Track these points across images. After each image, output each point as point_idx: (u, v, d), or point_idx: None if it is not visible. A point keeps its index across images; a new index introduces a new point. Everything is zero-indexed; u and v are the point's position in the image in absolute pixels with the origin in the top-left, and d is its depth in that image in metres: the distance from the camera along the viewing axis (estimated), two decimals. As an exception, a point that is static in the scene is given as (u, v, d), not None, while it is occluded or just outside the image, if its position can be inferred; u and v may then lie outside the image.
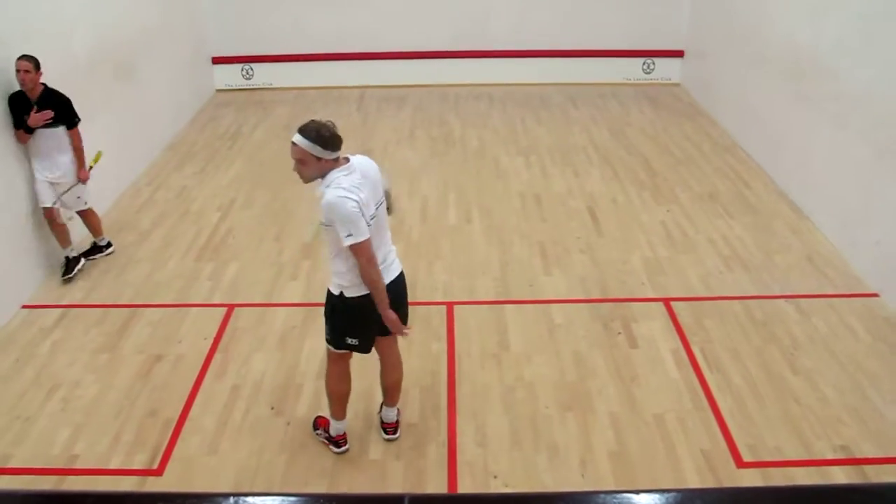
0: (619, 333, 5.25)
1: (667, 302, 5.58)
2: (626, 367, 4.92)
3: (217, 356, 5.08)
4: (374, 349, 4.13)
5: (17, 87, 5.47)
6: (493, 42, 10.34)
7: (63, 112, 5.57)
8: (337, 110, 9.53)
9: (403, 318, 4.14)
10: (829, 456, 4.20)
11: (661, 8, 10.16)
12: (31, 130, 5.50)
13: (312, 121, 3.66)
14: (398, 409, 4.41)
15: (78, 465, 4.21)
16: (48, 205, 5.74)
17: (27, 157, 5.69)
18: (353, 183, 3.61)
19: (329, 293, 3.93)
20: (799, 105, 6.98)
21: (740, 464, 4.17)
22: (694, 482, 4.04)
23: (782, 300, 5.58)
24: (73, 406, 4.65)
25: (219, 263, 6.19)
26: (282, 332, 5.31)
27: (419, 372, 4.87)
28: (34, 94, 5.46)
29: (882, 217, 5.65)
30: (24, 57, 5.35)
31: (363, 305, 3.82)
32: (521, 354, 5.06)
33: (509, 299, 5.66)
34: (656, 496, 1.65)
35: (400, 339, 4.28)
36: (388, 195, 3.93)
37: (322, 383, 4.56)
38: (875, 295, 5.62)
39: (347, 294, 3.82)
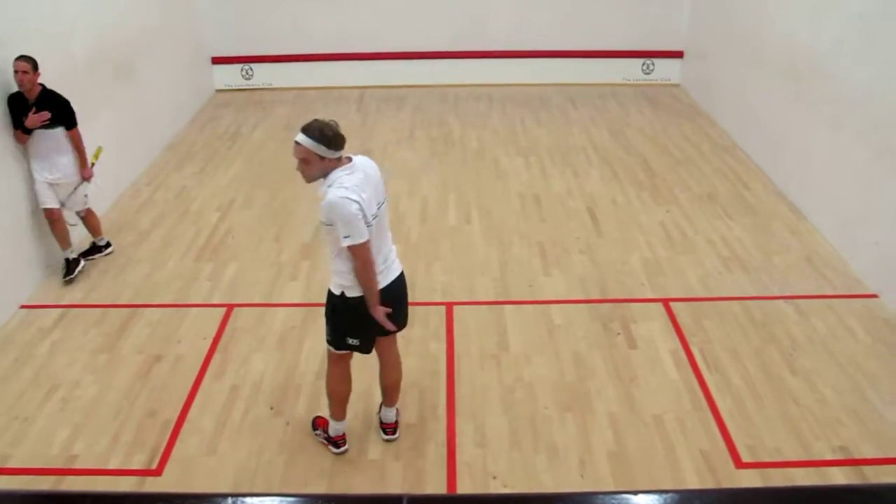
0: (619, 334, 5.25)
1: (666, 302, 5.58)
2: (626, 367, 4.92)
3: (216, 356, 5.08)
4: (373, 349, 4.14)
5: (17, 88, 5.46)
6: (493, 42, 10.34)
7: (61, 113, 5.55)
8: (336, 110, 9.53)
9: (403, 319, 4.15)
10: (828, 457, 4.20)
11: (661, 9, 10.16)
12: (29, 131, 5.50)
13: (315, 120, 3.66)
14: (397, 410, 4.41)
15: (77, 466, 4.21)
16: (49, 206, 5.74)
17: (26, 158, 5.69)
18: (355, 182, 3.61)
19: (330, 293, 3.92)
20: (798, 106, 6.98)
21: (739, 464, 4.17)
22: (693, 483, 4.04)
23: (781, 301, 5.58)
24: (71, 406, 4.65)
25: (218, 263, 6.19)
26: (281, 333, 5.31)
27: (418, 372, 4.87)
28: (32, 95, 5.44)
29: (881, 218, 5.65)
30: (21, 57, 5.34)
31: (364, 305, 3.82)
32: (520, 355, 5.06)
33: (509, 300, 5.66)
34: (655, 497, 1.65)
35: (399, 340, 4.29)
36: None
37: (321, 384, 4.57)
38: (874, 296, 5.63)
39: (349, 294, 3.82)
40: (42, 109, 5.44)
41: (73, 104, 5.66)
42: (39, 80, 5.47)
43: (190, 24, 9.77)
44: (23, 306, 5.63)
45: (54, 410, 4.61)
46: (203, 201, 7.28)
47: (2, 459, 4.26)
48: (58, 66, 6.04)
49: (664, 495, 1.65)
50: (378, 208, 3.75)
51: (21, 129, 5.48)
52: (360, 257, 3.63)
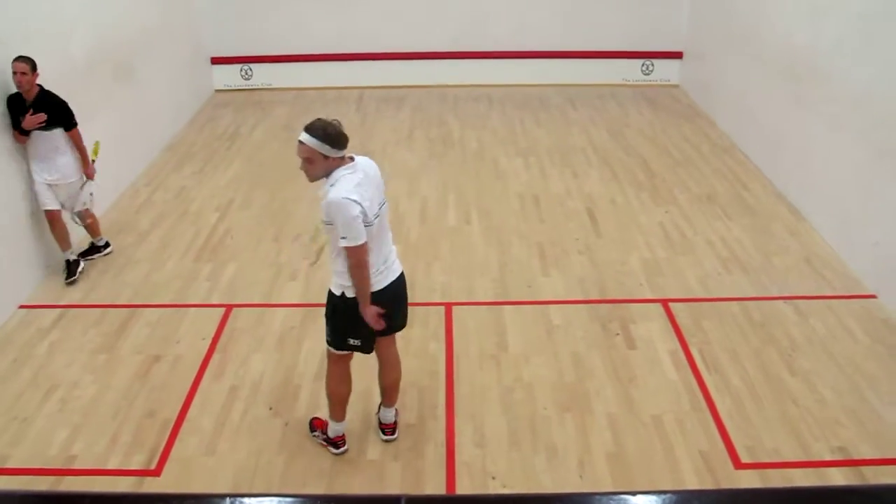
0: (618, 334, 5.25)
1: (665, 303, 5.58)
2: (625, 368, 4.92)
3: (215, 357, 5.08)
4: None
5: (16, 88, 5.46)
6: (493, 43, 10.34)
7: (59, 114, 5.53)
8: (336, 111, 9.52)
9: (403, 319, 4.15)
10: (827, 457, 4.20)
11: (660, 9, 10.16)
12: (27, 132, 5.49)
13: (319, 119, 3.66)
14: (396, 410, 4.41)
15: (76, 466, 4.21)
16: (49, 207, 5.73)
17: (25, 158, 5.68)
18: (357, 182, 3.61)
19: (330, 293, 3.92)
20: (797, 106, 6.98)
21: (738, 465, 4.17)
22: (692, 483, 4.04)
23: (780, 301, 5.58)
24: (70, 406, 4.65)
25: (217, 264, 6.19)
26: (280, 333, 5.31)
27: (417, 372, 4.87)
28: (30, 96, 5.43)
29: (880, 218, 5.65)
30: (20, 58, 5.33)
31: None
32: (519, 355, 5.06)
33: (508, 300, 5.66)
34: (654, 497, 1.65)
35: (399, 340, 4.29)
36: None
37: (320, 384, 4.57)
38: (873, 296, 5.63)
39: (350, 294, 3.82)
40: (39, 111, 5.42)
41: (72, 104, 5.65)
42: (38, 81, 5.46)
43: (189, 25, 9.77)
44: (22, 306, 5.63)
45: (53, 411, 4.61)
46: (202, 201, 7.28)
47: (1, 460, 4.25)
48: (57, 67, 6.04)
49: (663, 496, 1.64)
50: (379, 208, 3.75)
51: (19, 129, 5.47)
52: (356, 258, 3.63)
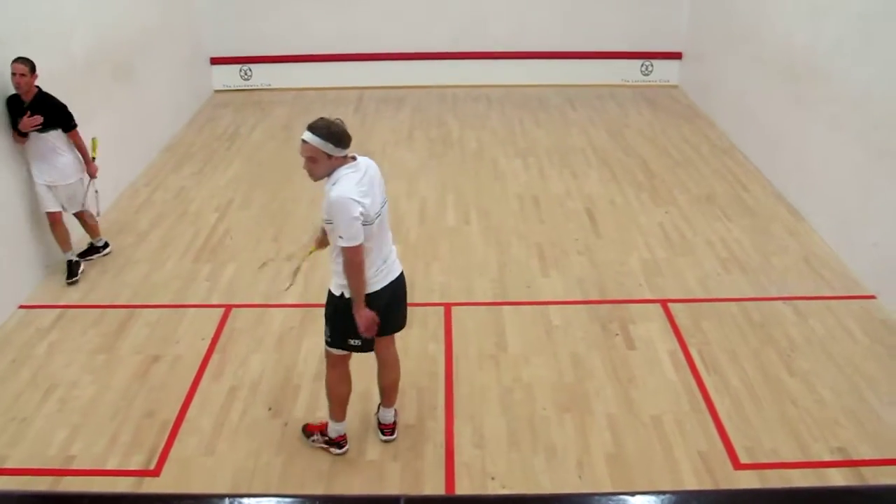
0: (617, 335, 5.25)
1: (664, 303, 5.59)
2: (624, 368, 4.92)
3: (214, 357, 5.08)
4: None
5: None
6: (492, 43, 10.34)
7: (56, 116, 5.51)
8: (335, 111, 9.52)
9: (402, 319, 4.15)
10: (827, 458, 4.21)
11: (660, 10, 10.17)
12: (24, 133, 5.48)
13: (322, 118, 3.66)
14: (395, 410, 4.41)
15: (74, 466, 4.21)
16: (49, 209, 5.73)
17: (24, 158, 5.68)
18: (358, 180, 3.61)
19: (330, 294, 3.91)
20: (797, 107, 6.99)
21: (737, 465, 4.17)
22: (691, 484, 4.04)
23: (780, 302, 5.59)
24: (69, 407, 4.64)
25: (216, 264, 6.18)
26: (279, 333, 5.31)
27: (417, 373, 4.87)
28: (28, 98, 5.42)
29: (880, 219, 5.65)
30: (19, 60, 5.32)
31: (367, 304, 3.82)
32: (518, 356, 5.06)
33: (507, 300, 5.66)
34: (653, 498, 1.65)
35: (398, 340, 4.29)
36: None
37: (320, 384, 4.57)
38: (872, 297, 5.63)
39: (350, 294, 3.81)
40: (36, 112, 5.40)
41: (72, 104, 5.65)
42: (38, 81, 5.45)
43: (189, 25, 9.77)
44: (21, 306, 5.63)
45: (52, 411, 4.61)
46: (201, 202, 7.28)
47: (0, 460, 4.25)
48: (57, 67, 6.05)
49: (662, 496, 1.64)
50: (381, 208, 3.75)
51: (17, 131, 5.47)
52: (351, 259, 3.62)
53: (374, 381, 4.38)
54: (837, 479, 4.07)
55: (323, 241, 4.10)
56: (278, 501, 1.82)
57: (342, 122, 3.67)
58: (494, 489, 4.06)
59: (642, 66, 10.49)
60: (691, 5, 9.99)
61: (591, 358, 5.02)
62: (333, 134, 3.58)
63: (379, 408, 4.40)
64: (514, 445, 4.32)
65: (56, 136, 5.57)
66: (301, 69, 10.41)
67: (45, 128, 5.47)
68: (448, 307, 5.58)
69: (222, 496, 1.62)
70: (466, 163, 8.15)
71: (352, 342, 3.94)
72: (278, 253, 4.59)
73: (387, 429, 4.36)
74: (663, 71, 10.50)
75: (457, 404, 4.64)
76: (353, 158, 3.71)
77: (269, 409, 4.62)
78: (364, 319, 3.77)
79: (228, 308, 5.58)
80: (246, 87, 10.57)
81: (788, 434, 4.37)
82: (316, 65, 10.40)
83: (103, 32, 7.15)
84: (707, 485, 4.04)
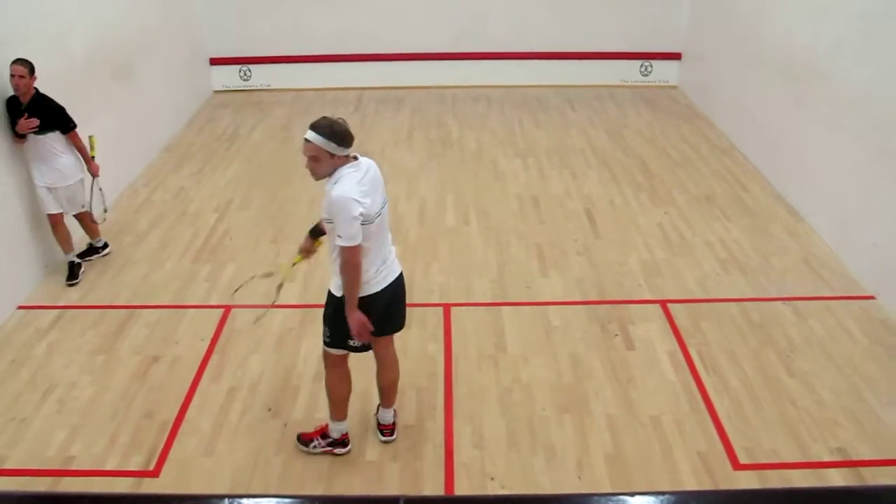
0: (616, 335, 5.25)
1: (664, 304, 5.59)
2: (623, 369, 4.92)
3: (214, 357, 5.08)
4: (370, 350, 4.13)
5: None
6: (492, 44, 10.34)
7: (53, 118, 5.49)
8: (335, 112, 9.44)
9: (401, 319, 4.14)
10: (826, 458, 4.21)
11: (659, 10, 10.17)
12: (22, 135, 5.47)
13: (324, 117, 3.67)
14: (395, 411, 4.41)
15: (74, 467, 4.21)
16: (50, 211, 5.73)
17: (24, 159, 5.68)
18: (360, 181, 3.61)
19: (330, 294, 3.90)
20: (796, 107, 6.99)
21: (737, 466, 4.17)
22: (690, 484, 4.04)
23: (779, 302, 5.59)
24: (69, 407, 4.64)
25: (216, 265, 6.18)
26: (279, 334, 5.31)
27: (416, 373, 4.87)
28: (26, 99, 5.41)
29: (879, 219, 5.66)
30: (18, 61, 5.30)
31: (367, 305, 3.82)
32: (517, 356, 5.06)
33: (506, 301, 5.66)
34: (652, 498, 1.65)
35: (397, 341, 4.28)
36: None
37: (319, 385, 4.57)
38: (871, 297, 5.63)
39: (347, 295, 3.81)
40: (33, 114, 5.39)
41: (71, 104, 5.65)
42: (38, 82, 5.44)
43: (188, 25, 9.77)
44: (20, 307, 5.62)
45: (51, 411, 4.61)
46: (201, 202, 7.28)
47: (-1, 460, 4.26)
48: (57, 67, 6.05)
49: (661, 497, 1.65)
50: (381, 207, 3.75)
51: (14, 132, 5.47)
52: (348, 260, 3.62)
53: (373, 382, 4.38)
54: (837, 479, 4.07)
55: (309, 249, 4.10)
56: (278, 502, 1.82)
57: (344, 121, 3.67)
58: (494, 490, 4.06)
59: (642, 66, 10.50)
60: (691, 6, 9.99)
61: (591, 358, 5.02)
62: (336, 133, 3.59)
63: (378, 408, 4.40)
64: (514, 446, 4.32)
65: (54, 138, 5.55)
66: (300, 70, 10.41)
67: (42, 130, 5.46)
68: (447, 307, 5.58)
69: (221, 497, 1.63)
70: (466, 163, 8.15)
71: (351, 343, 3.94)
72: (253, 277, 4.59)
73: (386, 429, 4.36)
74: (663, 71, 10.51)
75: (456, 405, 4.64)
76: (355, 158, 3.71)
77: (269, 409, 4.62)
78: (355, 323, 3.76)
79: (228, 308, 5.58)
80: (245, 88, 10.57)
81: (788, 434, 4.37)
82: (315, 65, 10.40)
83: (103, 32, 7.15)
84: (706, 485, 4.04)
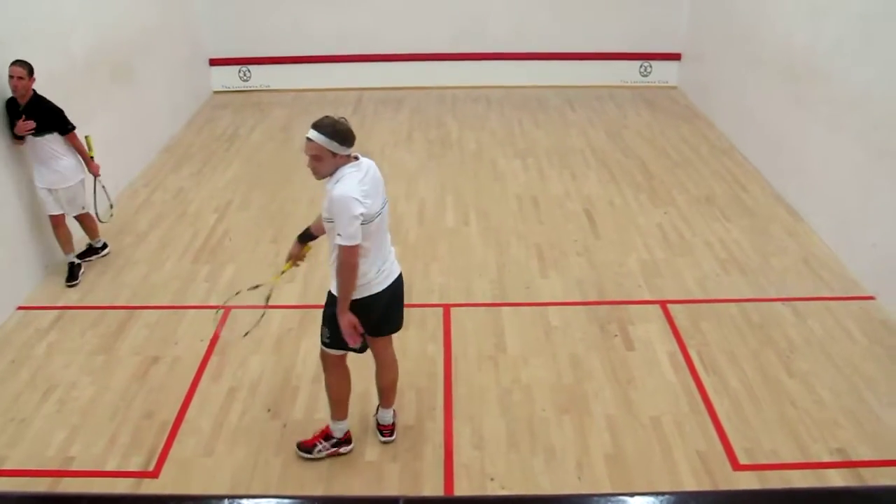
0: (616, 336, 5.25)
1: (663, 304, 5.59)
2: (623, 369, 4.92)
3: (213, 358, 5.08)
4: (369, 350, 4.13)
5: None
6: (492, 44, 10.35)
7: (51, 120, 5.48)
8: (334, 112, 9.32)
9: (399, 320, 4.14)
10: (826, 459, 4.21)
11: (659, 11, 10.17)
12: (20, 137, 5.47)
13: (326, 117, 3.67)
14: (394, 412, 4.41)
15: (73, 467, 4.21)
16: (52, 212, 5.74)
17: (23, 160, 5.68)
18: (361, 180, 3.61)
19: (330, 295, 3.89)
20: (796, 107, 6.99)
21: (736, 466, 4.17)
22: (690, 485, 4.04)
23: (779, 303, 5.59)
24: (68, 408, 4.64)
25: (215, 265, 6.18)
26: (278, 335, 5.31)
27: (415, 374, 4.87)
28: (24, 101, 5.40)
29: (879, 219, 5.66)
30: (17, 62, 5.30)
31: (367, 306, 3.82)
32: (517, 357, 5.06)
33: (506, 301, 5.66)
34: (651, 499, 1.65)
35: (396, 341, 4.28)
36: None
37: (318, 385, 4.57)
38: (871, 298, 5.63)
39: (352, 296, 3.80)
40: (30, 116, 5.38)
41: (71, 105, 5.65)
42: (38, 81, 5.43)
43: (188, 26, 9.77)
44: (20, 307, 5.62)
45: (51, 412, 4.61)
46: (200, 203, 7.28)
47: (-2, 461, 4.26)
48: (57, 67, 6.05)
49: (661, 497, 1.64)
50: (381, 207, 3.75)
51: (12, 134, 5.47)
52: (346, 259, 3.62)
53: (372, 382, 4.37)
54: (836, 479, 4.07)
55: (298, 255, 4.09)
56: (277, 502, 1.82)
57: (346, 120, 3.68)
58: (493, 490, 4.06)
59: (641, 66, 10.50)
60: (690, 6, 9.99)
61: (590, 359, 5.02)
62: (339, 132, 3.59)
63: (378, 409, 4.40)
64: (514, 446, 4.32)
65: (53, 140, 5.54)
66: (300, 70, 10.41)
67: (40, 131, 5.46)
68: (447, 308, 5.58)
69: (221, 497, 1.63)
70: (466, 164, 8.15)
71: (353, 344, 3.93)
72: (238, 292, 4.59)
73: (386, 430, 4.36)
74: (662, 72, 10.51)
75: (456, 405, 4.64)
76: (356, 158, 3.71)
77: (268, 410, 4.62)
78: (346, 324, 3.76)
79: (227, 309, 5.57)
80: (245, 89, 10.57)
81: (787, 435, 4.37)
82: (315, 66, 10.40)
83: (103, 33, 7.15)
84: (706, 486, 4.04)
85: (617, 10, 10.17)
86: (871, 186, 5.77)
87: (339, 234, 3.56)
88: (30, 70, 5.34)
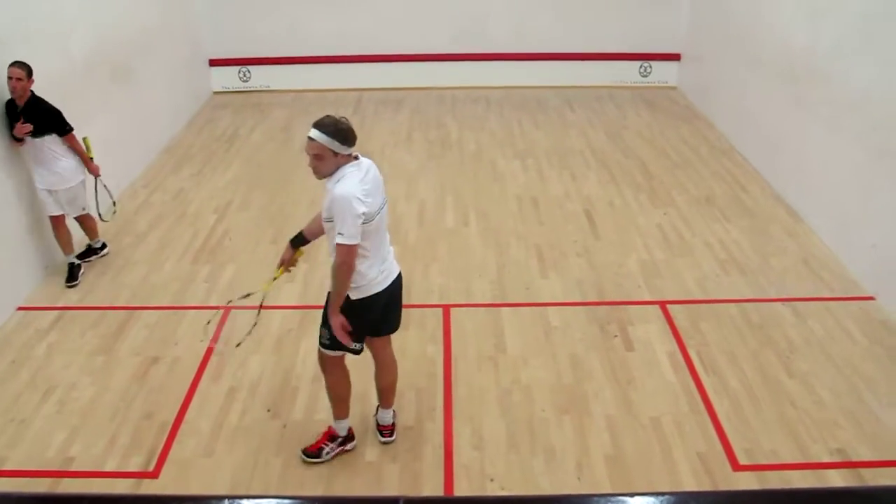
0: (616, 336, 5.25)
1: (663, 305, 5.59)
2: (623, 370, 4.92)
3: (213, 358, 5.07)
4: (368, 351, 4.13)
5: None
6: (491, 45, 10.34)
7: (49, 121, 5.47)
8: (334, 113, 9.43)
9: (397, 320, 4.14)
10: (826, 459, 4.21)
11: (659, 11, 10.17)
12: (19, 138, 5.47)
13: (328, 116, 3.68)
14: (394, 412, 4.41)
15: (73, 468, 4.21)
16: (53, 213, 5.74)
17: (23, 161, 5.67)
18: (362, 179, 3.62)
19: (330, 296, 3.90)
20: (796, 108, 6.99)
21: (736, 467, 4.17)
22: (690, 485, 4.04)
23: (779, 303, 5.59)
24: (68, 408, 4.64)
25: (215, 266, 6.18)
26: (278, 335, 5.31)
27: (415, 374, 4.87)
28: (21, 102, 5.39)
29: (878, 220, 5.66)
30: (16, 63, 5.28)
31: (367, 306, 3.82)
32: (517, 357, 5.06)
33: (506, 302, 5.66)
34: (651, 499, 1.65)
35: (396, 342, 4.28)
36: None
37: (318, 385, 4.57)
38: (871, 298, 5.63)
39: (352, 296, 3.81)
40: (29, 118, 5.37)
41: (71, 105, 5.65)
42: (38, 81, 5.42)
43: (187, 26, 9.77)
44: (20, 308, 5.62)
45: (51, 412, 4.61)
46: (200, 203, 7.28)
47: (-2, 461, 4.26)
48: (56, 67, 6.05)
49: (660, 498, 1.64)
50: (381, 207, 3.76)
51: (11, 135, 5.46)
52: (344, 259, 3.62)
53: (372, 383, 4.37)
54: (836, 480, 4.07)
55: (290, 260, 4.09)
56: (277, 503, 1.82)
57: (347, 120, 3.68)
58: (493, 491, 4.06)
59: (641, 67, 10.50)
60: (690, 7, 10.00)
61: (590, 359, 5.02)
62: (340, 131, 3.60)
63: (377, 409, 4.40)
64: (513, 447, 4.32)
65: (52, 141, 5.54)
66: (300, 71, 10.41)
67: (39, 133, 5.45)
68: (447, 308, 5.58)
69: (221, 497, 1.63)
70: (465, 164, 8.15)
71: (353, 345, 3.93)
72: (230, 301, 4.58)
73: (385, 430, 4.36)
74: (662, 72, 10.51)
75: (455, 406, 4.64)
76: (357, 157, 3.72)
77: (268, 410, 4.62)
78: (336, 324, 3.77)
79: (227, 310, 5.57)
80: (245, 89, 10.57)
81: (787, 435, 4.37)
82: (315, 66, 10.40)
83: (103, 33, 7.15)
84: (706, 486, 4.04)
85: (617, 11, 10.17)
86: (870, 187, 5.78)
87: (339, 233, 3.56)
88: (29, 71, 5.33)
